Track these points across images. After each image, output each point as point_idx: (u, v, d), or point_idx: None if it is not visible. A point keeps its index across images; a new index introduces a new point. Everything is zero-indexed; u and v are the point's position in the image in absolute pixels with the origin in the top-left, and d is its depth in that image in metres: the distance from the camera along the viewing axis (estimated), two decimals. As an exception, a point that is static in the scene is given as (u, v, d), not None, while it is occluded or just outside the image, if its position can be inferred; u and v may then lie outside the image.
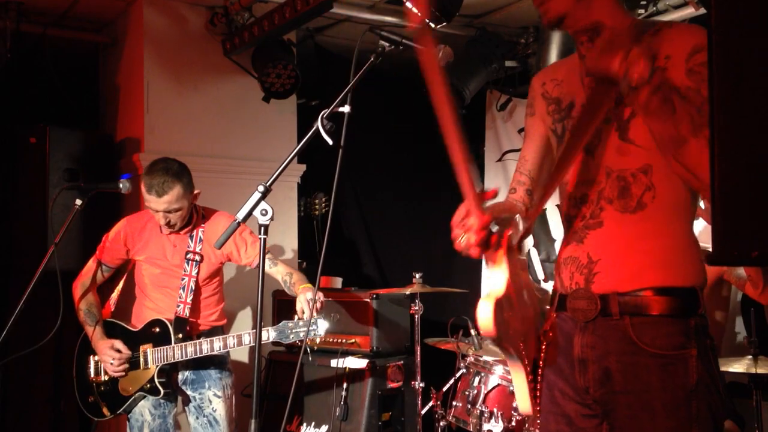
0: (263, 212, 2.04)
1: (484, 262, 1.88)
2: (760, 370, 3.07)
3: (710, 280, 3.36)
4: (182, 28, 4.62)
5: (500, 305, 1.59)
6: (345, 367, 3.98)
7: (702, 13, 4.02)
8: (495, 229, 1.65)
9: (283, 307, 4.32)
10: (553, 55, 4.43)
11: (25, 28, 4.48)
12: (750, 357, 3.15)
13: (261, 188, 2.02)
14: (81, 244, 4.26)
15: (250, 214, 2.02)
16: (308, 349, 3.61)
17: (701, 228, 3.48)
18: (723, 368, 3.03)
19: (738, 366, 3.12)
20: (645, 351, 1.62)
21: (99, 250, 3.34)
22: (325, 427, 3.94)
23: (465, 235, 1.59)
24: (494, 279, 1.65)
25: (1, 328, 2.74)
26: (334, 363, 3.98)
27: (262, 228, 2.06)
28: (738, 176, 0.87)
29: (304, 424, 4.04)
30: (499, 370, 3.46)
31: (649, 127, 1.59)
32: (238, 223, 2.06)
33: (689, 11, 4.11)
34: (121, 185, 3.16)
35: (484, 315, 1.58)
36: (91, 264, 3.36)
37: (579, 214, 1.75)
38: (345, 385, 3.94)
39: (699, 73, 1.55)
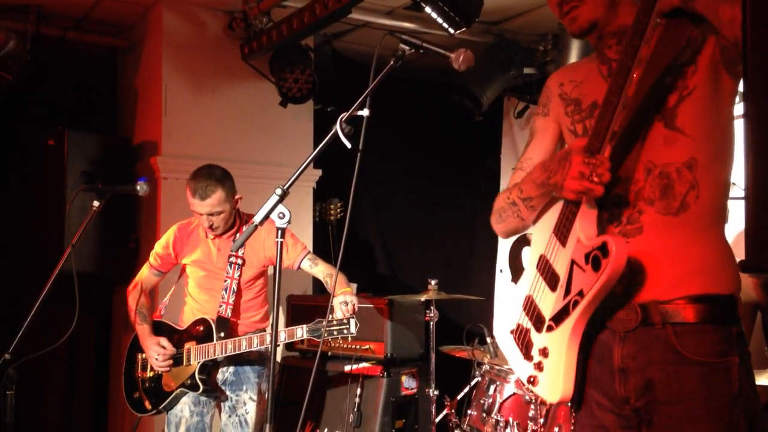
0: (281, 215, 2.02)
1: (507, 266, 1.85)
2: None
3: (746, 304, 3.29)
4: (201, 33, 4.63)
5: None
6: (359, 374, 3.96)
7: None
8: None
9: (298, 311, 4.31)
10: (573, 62, 4.39)
11: (45, 31, 4.52)
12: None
13: (279, 191, 2.00)
14: (97, 246, 4.27)
15: (267, 216, 2.01)
16: (322, 355, 3.58)
17: (735, 235, 3.42)
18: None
19: (758, 380, 3.04)
20: (689, 359, 1.59)
21: (150, 256, 3.50)
22: (338, 434, 3.92)
23: (595, 173, 1.56)
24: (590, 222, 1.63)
25: (17, 329, 2.75)
26: (348, 369, 3.96)
27: (279, 231, 2.05)
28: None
29: (317, 431, 4.02)
30: (514, 378, 3.42)
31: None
32: (255, 226, 2.04)
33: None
34: (138, 188, 3.19)
35: (623, 253, 1.54)
36: (143, 269, 3.53)
37: (614, 218, 1.68)
38: (359, 392, 3.92)
39: None
